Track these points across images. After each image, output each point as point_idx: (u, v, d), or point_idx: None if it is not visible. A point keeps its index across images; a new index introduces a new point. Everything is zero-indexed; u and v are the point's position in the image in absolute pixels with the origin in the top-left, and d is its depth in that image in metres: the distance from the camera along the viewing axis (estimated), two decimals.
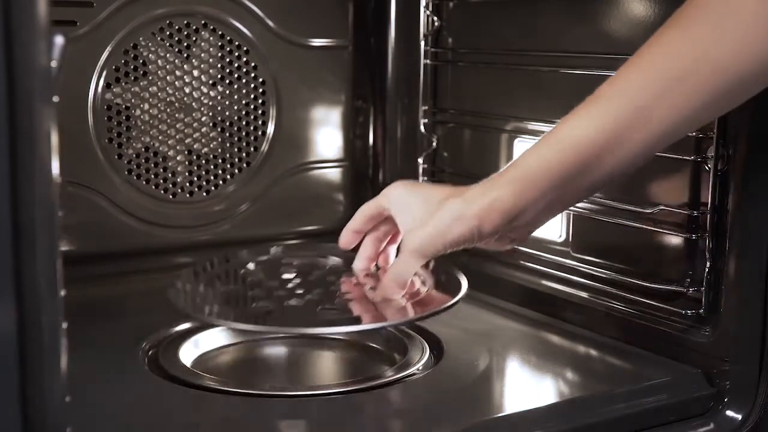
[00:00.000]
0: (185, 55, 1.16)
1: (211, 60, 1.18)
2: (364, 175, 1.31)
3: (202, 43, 1.17)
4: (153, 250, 1.18)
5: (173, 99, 1.16)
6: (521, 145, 1.12)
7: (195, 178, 1.19)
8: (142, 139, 1.15)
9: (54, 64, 0.51)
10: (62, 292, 0.52)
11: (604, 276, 1.02)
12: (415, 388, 0.87)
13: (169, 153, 1.17)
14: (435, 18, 1.21)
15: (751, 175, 0.86)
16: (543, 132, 1.07)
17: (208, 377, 0.89)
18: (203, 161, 1.19)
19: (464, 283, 0.93)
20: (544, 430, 0.81)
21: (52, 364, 0.52)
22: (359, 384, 0.87)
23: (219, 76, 1.19)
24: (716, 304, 0.90)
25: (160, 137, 1.16)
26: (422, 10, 1.22)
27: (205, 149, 1.19)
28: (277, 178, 1.24)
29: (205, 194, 1.20)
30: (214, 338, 1.00)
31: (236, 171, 1.21)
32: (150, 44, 1.14)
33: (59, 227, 0.52)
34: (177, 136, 1.17)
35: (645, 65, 0.75)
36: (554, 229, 1.07)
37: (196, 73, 1.17)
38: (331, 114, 1.28)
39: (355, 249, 0.95)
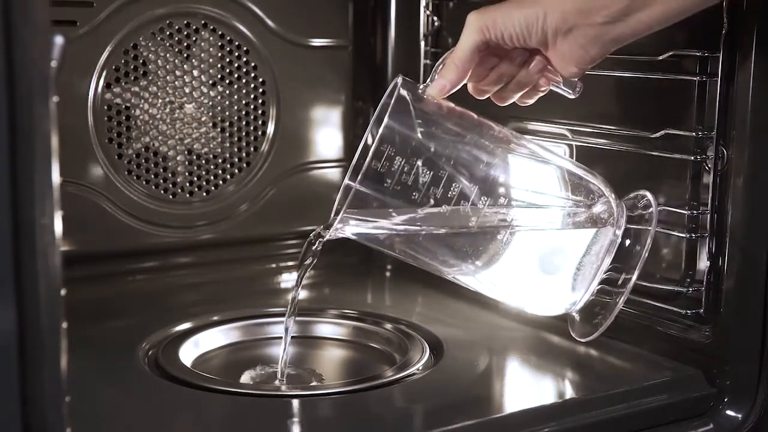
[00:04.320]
0: (185, 55, 1.16)
1: (211, 60, 1.18)
2: None
3: (202, 43, 1.17)
4: (153, 250, 1.18)
5: (173, 99, 1.16)
6: None
7: (195, 178, 1.19)
8: (142, 139, 1.15)
9: (54, 64, 0.51)
10: (62, 292, 0.52)
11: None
12: (415, 388, 0.87)
13: (169, 153, 1.17)
14: (435, 18, 1.21)
15: (751, 175, 0.86)
16: (543, 132, 1.07)
17: (208, 377, 0.89)
18: (203, 161, 1.19)
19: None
20: (544, 430, 0.81)
21: (52, 364, 0.52)
22: (359, 384, 0.87)
23: (219, 76, 1.19)
24: (716, 304, 0.90)
25: (160, 137, 1.16)
26: (422, 10, 1.22)
27: (205, 149, 1.19)
28: (277, 178, 1.24)
29: (205, 194, 1.20)
30: (214, 338, 1.00)
31: (236, 171, 1.21)
32: (150, 44, 1.14)
33: (59, 227, 0.52)
34: (177, 136, 1.17)
35: None
36: None
37: (196, 73, 1.17)
38: (331, 114, 1.28)
39: None
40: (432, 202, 0.81)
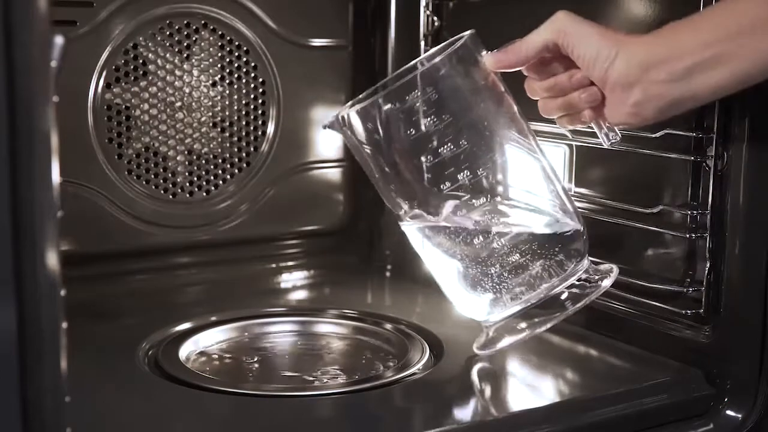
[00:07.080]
0: (185, 55, 1.16)
1: (211, 60, 1.18)
2: (364, 175, 1.31)
3: (202, 43, 1.17)
4: (153, 250, 1.18)
5: (173, 99, 1.16)
6: None
7: (195, 178, 1.19)
8: (142, 139, 1.15)
9: (54, 64, 0.51)
10: (62, 292, 0.53)
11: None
12: (415, 388, 0.87)
13: (169, 153, 1.17)
14: (435, 18, 1.21)
15: (751, 175, 0.86)
16: (543, 132, 1.07)
17: (208, 377, 0.89)
18: (203, 161, 1.19)
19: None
20: (544, 430, 0.81)
21: (52, 364, 0.52)
22: (359, 384, 0.87)
23: (219, 76, 1.19)
24: (716, 304, 0.90)
25: (160, 137, 1.16)
26: (422, 10, 1.22)
27: (205, 149, 1.19)
28: (277, 178, 1.24)
29: (205, 194, 1.20)
30: (213, 338, 1.00)
31: (236, 171, 1.21)
32: (150, 44, 1.14)
33: (59, 227, 0.52)
34: (177, 136, 1.17)
35: None
36: None
37: (196, 73, 1.17)
38: (331, 114, 1.27)
39: None
40: (428, 153, 0.84)
